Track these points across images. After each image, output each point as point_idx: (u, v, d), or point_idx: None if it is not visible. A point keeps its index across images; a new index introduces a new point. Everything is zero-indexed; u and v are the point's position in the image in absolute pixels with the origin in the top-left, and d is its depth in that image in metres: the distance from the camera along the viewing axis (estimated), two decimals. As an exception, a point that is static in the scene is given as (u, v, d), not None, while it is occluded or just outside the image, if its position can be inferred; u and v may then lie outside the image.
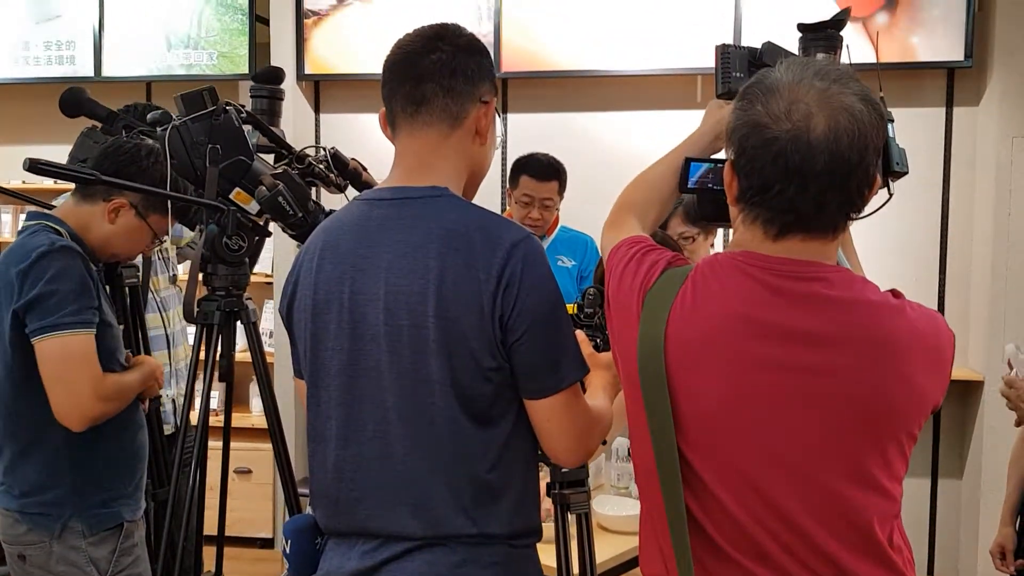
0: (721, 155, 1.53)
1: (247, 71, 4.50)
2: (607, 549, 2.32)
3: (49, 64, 4.75)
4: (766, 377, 1.18)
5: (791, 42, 1.57)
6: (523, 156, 3.48)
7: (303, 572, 1.50)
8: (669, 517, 1.21)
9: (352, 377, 1.41)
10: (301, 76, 4.50)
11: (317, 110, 4.70)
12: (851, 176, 1.15)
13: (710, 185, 1.51)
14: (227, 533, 2.53)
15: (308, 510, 1.56)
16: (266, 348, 3.73)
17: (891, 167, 1.37)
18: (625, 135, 4.28)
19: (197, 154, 2.05)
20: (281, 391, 2.44)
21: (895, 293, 1.23)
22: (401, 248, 1.38)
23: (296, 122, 4.42)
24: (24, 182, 4.63)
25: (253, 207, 2.12)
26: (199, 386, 2.30)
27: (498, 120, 1.52)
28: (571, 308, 1.79)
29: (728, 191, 1.25)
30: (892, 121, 1.37)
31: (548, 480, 1.90)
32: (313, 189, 2.26)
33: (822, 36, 1.55)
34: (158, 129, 2.13)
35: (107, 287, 2.24)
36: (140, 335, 2.45)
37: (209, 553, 2.60)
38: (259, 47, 4.55)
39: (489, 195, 4.25)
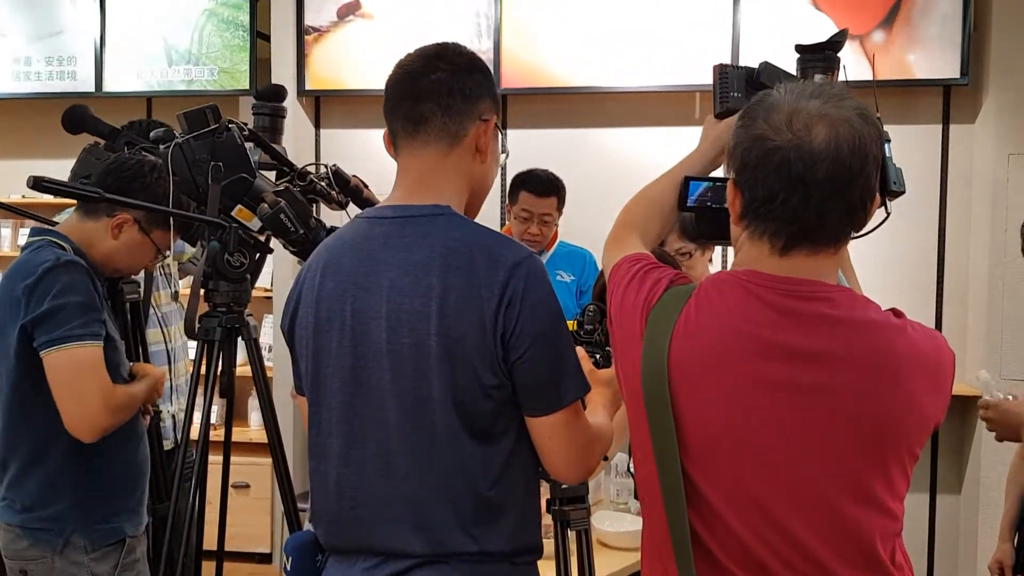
0: (718, 173, 1.55)
1: (248, 87, 4.52)
2: (607, 565, 2.31)
3: (50, 79, 4.76)
4: (770, 396, 1.19)
5: (789, 62, 1.58)
6: (522, 172, 3.49)
7: (304, 589, 1.50)
8: (672, 534, 1.21)
9: (354, 395, 1.41)
10: (302, 92, 4.52)
11: (317, 125, 4.72)
12: (852, 184, 1.16)
13: (709, 204, 1.52)
14: (225, 548, 2.53)
15: (307, 525, 1.56)
16: (266, 363, 3.73)
17: (888, 186, 1.38)
18: (624, 151, 4.30)
19: (199, 171, 2.07)
20: (280, 404, 2.44)
21: (896, 312, 1.24)
22: (403, 266, 1.38)
23: (296, 137, 4.44)
24: (24, 197, 4.64)
25: (255, 224, 2.14)
26: (199, 402, 2.30)
27: (501, 137, 1.53)
28: (571, 324, 1.80)
29: (731, 210, 1.26)
30: (889, 141, 1.39)
31: (548, 496, 1.91)
32: (314, 206, 2.27)
33: (820, 57, 1.56)
34: (160, 146, 2.14)
35: (109, 302, 2.25)
36: (141, 350, 2.46)
37: (208, 568, 2.60)
38: (260, 63, 4.57)
39: (488, 210, 4.21)
